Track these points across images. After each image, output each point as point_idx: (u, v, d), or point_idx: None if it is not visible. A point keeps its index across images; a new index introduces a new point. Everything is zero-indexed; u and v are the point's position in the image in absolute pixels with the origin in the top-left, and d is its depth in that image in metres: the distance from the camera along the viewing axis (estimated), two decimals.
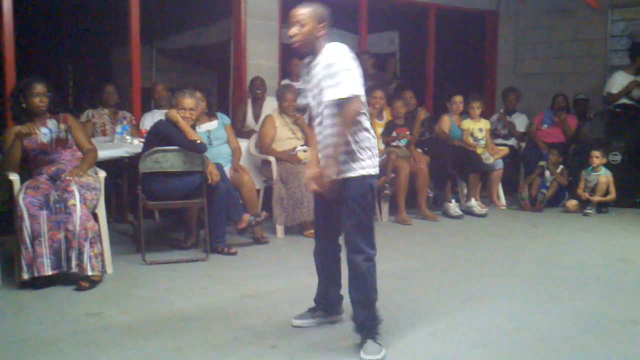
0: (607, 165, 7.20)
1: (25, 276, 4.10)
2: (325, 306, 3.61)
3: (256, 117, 6.85)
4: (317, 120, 3.35)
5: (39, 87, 4.47)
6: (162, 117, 5.18)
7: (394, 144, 6.68)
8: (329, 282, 3.58)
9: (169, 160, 4.88)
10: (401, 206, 6.52)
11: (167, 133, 4.94)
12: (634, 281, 4.60)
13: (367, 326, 3.27)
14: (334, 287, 3.59)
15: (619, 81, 7.71)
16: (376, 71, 8.10)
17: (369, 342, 3.22)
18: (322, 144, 3.33)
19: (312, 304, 3.64)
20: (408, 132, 6.79)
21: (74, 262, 4.14)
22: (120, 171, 5.82)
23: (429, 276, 4.64)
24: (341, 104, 3.14)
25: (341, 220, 3.29)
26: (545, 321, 3.72)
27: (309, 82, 3.40)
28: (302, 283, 3.86)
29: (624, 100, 7.64)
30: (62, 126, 4.48)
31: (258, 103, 6.90)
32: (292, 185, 5.72)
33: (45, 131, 4.40)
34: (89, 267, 4.17)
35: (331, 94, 3.14)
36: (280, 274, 4.66)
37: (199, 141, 4.96)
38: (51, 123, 4.46)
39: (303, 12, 3.25)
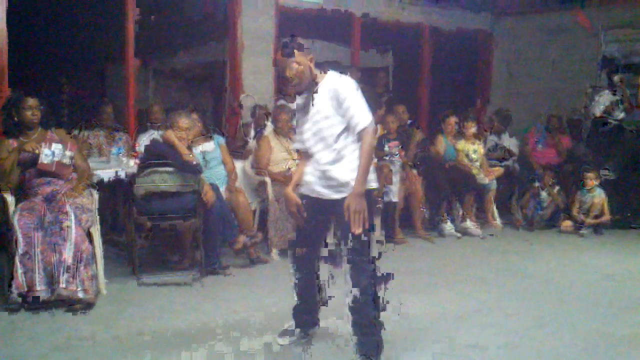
0: (602, 183, 7.22)
1: (19, 298, 4.06)
2: (306, 324, 3.66)
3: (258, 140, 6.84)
4: (320, 145, 3.33)
5: (31, 101, 4.46)
6: (158, 138, 5.18)
7: (386, 158, 6.68)
8: (312, 301, 3.63)
9: (164, 180, 4.86)
10: (396, 226, 6.51)
11: (163, 153, 4.92)
12: (627, 300, 4.63)
13: (369, 350, 3.29)
14: (315, 305, 3.65)
15: (601, 102, 7.78)
16: (364, 86, 8.09)
17: None
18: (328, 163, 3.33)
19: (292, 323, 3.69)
20: (400, 146, 6.79)
21: (67, 284, 4.10)
22: (115, 192, 5.80)
23: (425, 295, 4.64)
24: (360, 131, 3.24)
25: (347, 238, 3.29)
26: (540, 339, 3.76)
27: (307, 108, 3.38)
28: None
29: (609, 120, 7.68)
30: (69, 153, 4.44)
31: (258, 128, 6.88)
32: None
33: (48, 152, 4.35)
34: (82, 289, 4.14)
35: (358, 125, 3.22)
36: (275, 294, 4.62)
37: (194, 162, 4.95)
38: (56, 146, 4.40)
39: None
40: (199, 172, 4.98)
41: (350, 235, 3.23)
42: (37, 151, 4.34)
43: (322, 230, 3.53)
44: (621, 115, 7.63)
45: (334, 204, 3.32)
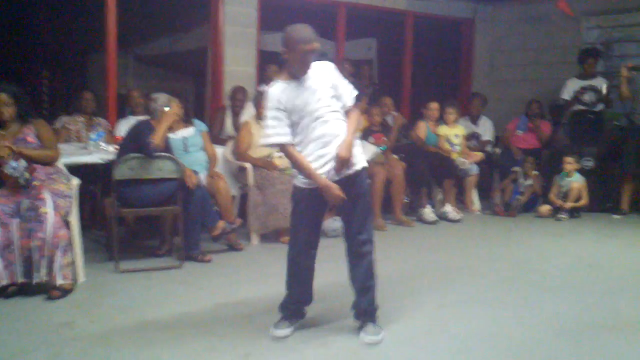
0: (583, 173, 7.28)
1: None
2: (295, 314, 3.67)
3: (235, 125, 6.84)
4: (320, 120, 3.40)
5: (1, 97, 4.34)
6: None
7: None
8: (310, 283, 3.68)
9: (143, 167, 4.84)
10: (376, 212, 6.53)
11: (141, 130, 4.88)
12: (606, 286, 4.66)
13: (369, 310, 3.54)
14: (311, 286, 3.70)
15: (571, 88, 7.83)
16: (349, 77, 8.11)
17: (369, 324, 3.50)
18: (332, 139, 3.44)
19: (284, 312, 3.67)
20: (385, 138, 6.83)
21: (45, 271, 4.08)
22: (94, 178, 5.76)
23: (404, 282, 4.65)
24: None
25: (356, 214, 3.49)
26: (520, 326, 3.76)
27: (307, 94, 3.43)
28: (277, 290, 3.85)
29: (578, 107, 7.72)
30: (27, 175, 4.29)
31: (237, 111, 6.90)
32: (268, 191, 5.72)
33: (13, 165, 4.24)
34: (60, 276, 4.12)
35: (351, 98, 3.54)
36: (255, 281, 4.65)
37: (153, 144, 4.79)
38: (21, 164, 4.27)
39: None
40: (150, 156, 4.80)
41: (363, 210, 3.51)
42: (4, 157, 4.24)
43: (322, 215, 3.67)
44: (600, 106, 7.68)
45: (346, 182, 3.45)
